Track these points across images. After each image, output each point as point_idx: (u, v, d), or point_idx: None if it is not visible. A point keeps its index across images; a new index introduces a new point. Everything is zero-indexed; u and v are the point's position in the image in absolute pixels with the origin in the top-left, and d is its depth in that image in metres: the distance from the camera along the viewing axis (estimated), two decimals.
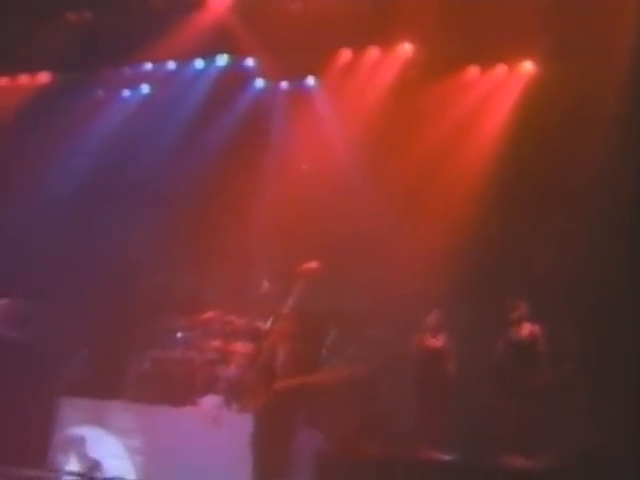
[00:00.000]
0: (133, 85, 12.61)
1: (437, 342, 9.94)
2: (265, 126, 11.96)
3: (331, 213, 10.85)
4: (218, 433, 8.84)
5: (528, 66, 10.77)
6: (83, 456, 9.54)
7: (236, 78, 12.12)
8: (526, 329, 9.66)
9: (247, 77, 12.21)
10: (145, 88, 12.66)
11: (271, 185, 11.25)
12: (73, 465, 9.59)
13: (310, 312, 8.87)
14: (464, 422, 9.59)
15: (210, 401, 9.17)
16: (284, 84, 12.26)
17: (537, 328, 9.64)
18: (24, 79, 12.71)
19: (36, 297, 10.92)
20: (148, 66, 12.38)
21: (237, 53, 11.90)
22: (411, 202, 10.77)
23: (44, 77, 12.61)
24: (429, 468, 8.63)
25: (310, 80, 12.10)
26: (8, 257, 11.15)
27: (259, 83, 12.28)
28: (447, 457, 8.89)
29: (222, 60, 12.18)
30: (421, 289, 10.08)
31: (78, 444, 9.61)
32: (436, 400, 9.75)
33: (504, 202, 10.46)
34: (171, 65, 12.39)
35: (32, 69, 12.59)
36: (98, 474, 9.36)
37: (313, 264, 8.19)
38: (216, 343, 9.83)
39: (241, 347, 9.63)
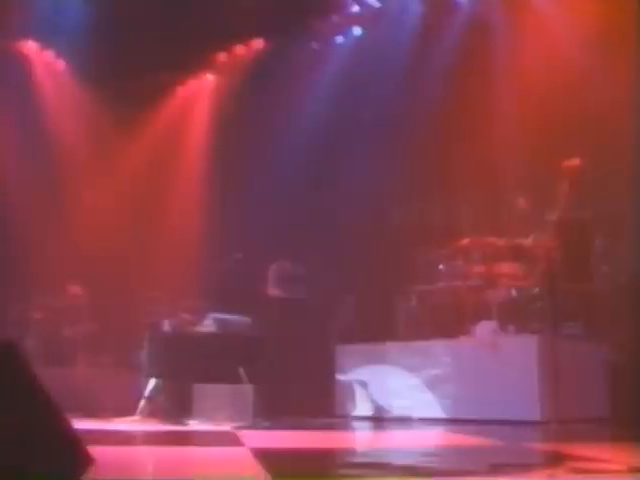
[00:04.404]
0: (344, 30, 12.52)
1: None
2: (486, 42, 11.38)
3: (575, 113, 10.09)
4: (499, 357, 8.54)
5: None
6: (368, 399, 9.64)
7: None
8: None
9: None
10: (357, 30, 12.53)
11: (506, 99, 10.65)
12: (360, 409, 9.72)
13: (576, 219, 8.34)
14: None
15: (485, 327, 8.88)
16: None
17: None
18: (240, 50, 13.01)
19: (301, 254, 11.16)
20: (355, 8, 12.23)
21: None
22: None
23: (258, 44, 12.85)
24: None
25: None
26: (269, 222, 11.54)
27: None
28: None
29: None
30: None
31: (361, 388, 9.73)
32: None
33: None
34: (376, 2, 12.18)
35: (245, 39, 12.88)
36: (385, 415, 9.41)
37: (575, 161, 7.57)
38: (479, 268, 9.47)
39: (506, 268, 9.22)
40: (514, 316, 8.87)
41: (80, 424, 4.75)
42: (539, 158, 9.70)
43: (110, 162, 12.84)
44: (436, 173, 11.07)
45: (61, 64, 13.10)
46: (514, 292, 9.11)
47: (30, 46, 12.84)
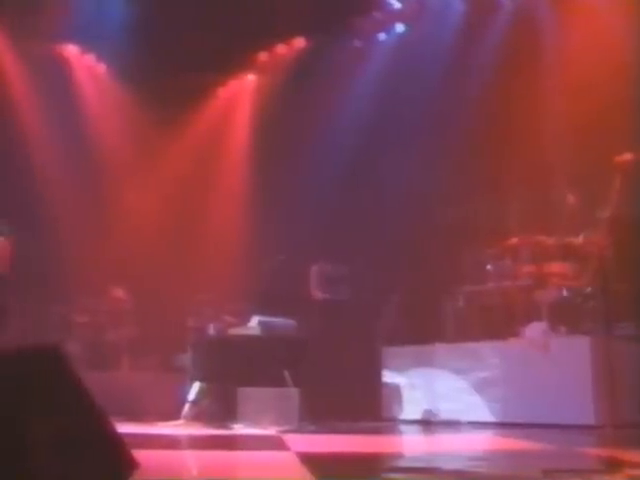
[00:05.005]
0: (386, 27, 12.38)
1: None
2: (531, 37, 11.13)
3: (624, 108, 9.79)
4: (550, 359, 8.31)
5: None
6: (415, 403, 9.50)
7: None
8: None
9: None
10: (399, 27, 12.37)
11: (553, 95, 10.39)
12: (407, 413, 9.57)
13: (628, 216, 8.09)
14: None
15: (535, 328, 8.66)
16: None
17: None
18: (281, 49, 12.95)
19: (345, 255, 11.05)
20: (397, 5, 12.08)
21: None
22: None
23: (299, 42, 12.79)
24: None
25: None
26: (313, 222, 11.45)
27: None
28: None
29: None
30: None
31: (408, 391, 9.59)
32: None
33: None
34: None
35: (286, 38, 12.82)
36: (433, 419, 9.24)
37: (627, 156, 7.35)
38: (529, 267, 9.25)
39: (557, 267, 9.00)
40: (565, 317, 8.64)
41: (124, 428, 4.66)
42: (588, 154, 9.45)
43: (153, 164, 12.87)
44: (483, 171, 10.86)
45: (102, 67, 13.17)
46: (565, 292, 8.86)
47: (71, 50, 12.92)
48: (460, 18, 11.80)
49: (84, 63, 13.10)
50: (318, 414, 8.92)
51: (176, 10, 11.40)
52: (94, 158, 12.52)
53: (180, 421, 9.24)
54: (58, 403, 3.36)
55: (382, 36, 12.56)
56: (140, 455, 3.63)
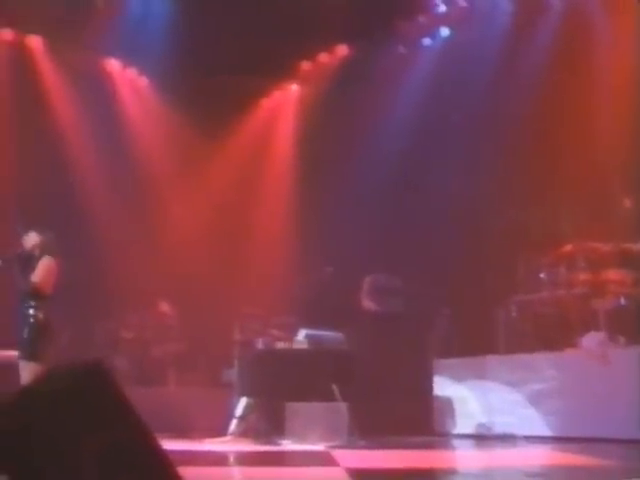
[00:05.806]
0: (431, 31, 12.20)
1: None
2: (582, 39, 10.83)
3: None
4: (607, 372, 8.02)
5: None
6: (468, 416, 9.32)
7: None
8: None
9: None
10: (444, 31, 12.17)
11: (607, 97, 10.06)
12: (460, 427, 9.39)
13: None
14: None
15: (592, 339, 8.38)
16: None
17: None
18: (324, 58, 12.91)
19: (396, 266, 10.88)
20: (442, 8, 11.90)
21: None
22: None
23: (342, 50, 12.72)
24: None
25: None
26: (363, 233, 11.29)
27: None
28: None
29: None
30: None
31: (461, 405, 9.41)
32: None
33: None
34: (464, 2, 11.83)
35: (329, 45, 12.74)
36: (487, 433, 9.01)
37: None
38: (585, 275, 9.01)
39: (614, 274, 8.75)
40: (624, 326, 8.36)
41: (171, 445, 4.53)
42: None
43: (197, 176, 12.86)
44: (535, 176, 10.60)
45: (144, 81, 13.23)
46: (623, 300, 8.62)
47: (113, 64, 13.00)
48: (507, 20, 11.55)
49: (126, 77, 13.18)
50: (368, 429, 8.78)
51: (217, 20, 11.36)
52: (138, 171, 12.53)
53: (227, 437, 9.17)
54: (102, 420, 3.28)
55: (427, 41, 12.38)
56: (187, 472, 3.51)
